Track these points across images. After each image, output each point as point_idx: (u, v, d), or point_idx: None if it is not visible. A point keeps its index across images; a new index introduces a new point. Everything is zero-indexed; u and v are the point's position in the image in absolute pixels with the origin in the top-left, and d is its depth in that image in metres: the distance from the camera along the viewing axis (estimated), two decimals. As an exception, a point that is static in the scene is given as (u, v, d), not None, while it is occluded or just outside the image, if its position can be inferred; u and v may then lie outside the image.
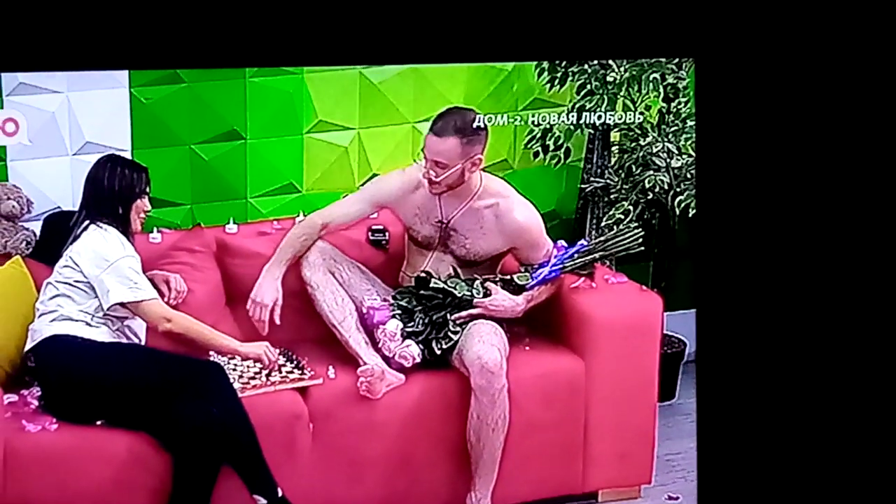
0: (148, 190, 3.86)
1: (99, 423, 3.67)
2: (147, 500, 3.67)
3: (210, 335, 3.81)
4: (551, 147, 4.21)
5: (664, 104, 4.12)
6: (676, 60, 4.05)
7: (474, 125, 3.88)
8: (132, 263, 3.78)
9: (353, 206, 4.05)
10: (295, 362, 3.88)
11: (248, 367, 3.84)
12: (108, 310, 3.75)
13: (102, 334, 3.76)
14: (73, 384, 3.70)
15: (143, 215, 3.85)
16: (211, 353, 3.82)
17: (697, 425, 3.91)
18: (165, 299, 3.86)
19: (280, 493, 3.72)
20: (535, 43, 4.00)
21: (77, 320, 3.75)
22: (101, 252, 3.77)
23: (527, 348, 3.98)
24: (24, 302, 3.82)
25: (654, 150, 4.15)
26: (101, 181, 3.83)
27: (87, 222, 3.80)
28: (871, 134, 3.88)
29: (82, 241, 3.79)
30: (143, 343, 3.83)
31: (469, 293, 3.92)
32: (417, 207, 4.00)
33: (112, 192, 3.82)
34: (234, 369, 3.82)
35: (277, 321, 3.93)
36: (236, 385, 3.75)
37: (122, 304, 3.75)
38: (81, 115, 4.01)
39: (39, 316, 3.78)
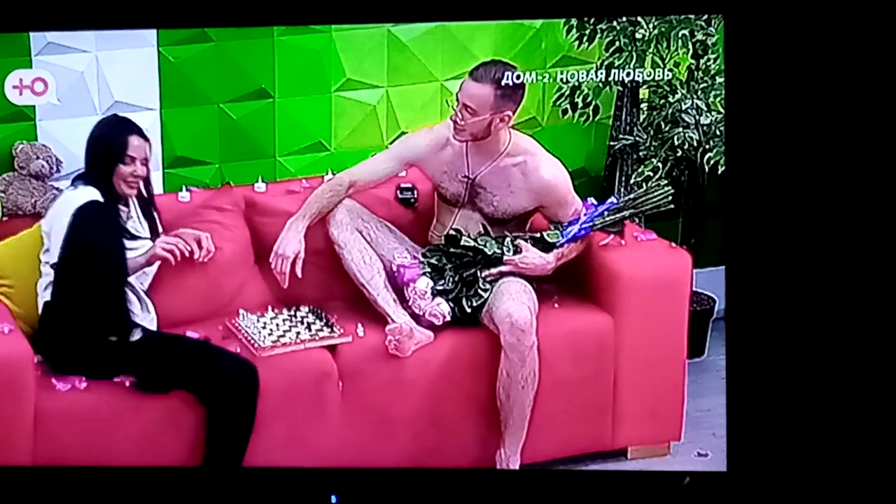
0: (135, 154, 3.79)
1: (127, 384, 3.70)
2: (180, 457, 3.71)
3: None
4: (580, 104, 4.19)
5: (693, 61, 4.09)
6: (705, 17, 4.02)
7: (513, 81, 3.88)
8: None
9: (382, 164, 4.05)
10: (325, 320, 3.89)
11: (277, 325, 3.87)
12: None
13: None
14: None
15: (131, 180, 3.80)
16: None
17: (727, 382, 3.91)
18: (196, 257, 3.87)
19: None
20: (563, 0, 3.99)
21: None
22: (54, 211, 3.78)
23: (556, 306, 3.97)
24: (53, 262, 3.85)
25: (683, 107, 4.12)
26: (88, 142, 3.83)
27: (69, 183, 3.82)
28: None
29: (54, 204, 3.82)
30: (143, 297, 3.83)
31: (499, 250, 3.91)
32: (445, 164, 3.99)
33: (92, 154, 3.81)
34: (265, 327, 3.84)
35: (299, 274, 3.93)
36: (266, 342, 3.78)
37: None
38: (110, 74, 4.01)
39: (41, 285, 3.80)
